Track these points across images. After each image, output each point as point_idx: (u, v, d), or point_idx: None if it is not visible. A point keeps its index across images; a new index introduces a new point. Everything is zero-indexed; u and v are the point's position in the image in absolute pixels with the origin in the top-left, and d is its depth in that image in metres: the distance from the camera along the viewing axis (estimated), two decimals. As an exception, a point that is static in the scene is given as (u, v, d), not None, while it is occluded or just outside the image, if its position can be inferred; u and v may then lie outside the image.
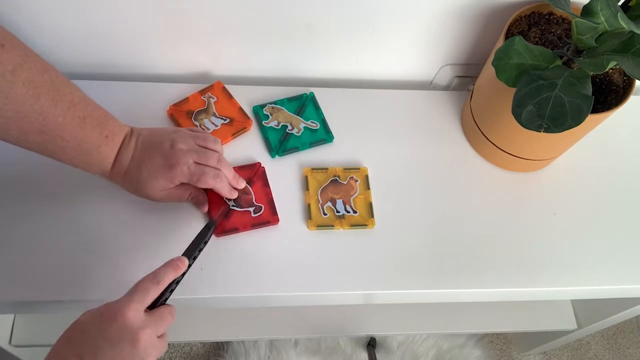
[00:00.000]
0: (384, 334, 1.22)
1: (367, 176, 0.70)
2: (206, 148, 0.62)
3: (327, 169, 0.70)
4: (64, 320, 0.92)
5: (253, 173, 0.68)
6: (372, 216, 0.67)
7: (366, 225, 0.67)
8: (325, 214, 0.67)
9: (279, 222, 0.66)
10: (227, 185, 0.63)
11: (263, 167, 0.69)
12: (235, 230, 0.64)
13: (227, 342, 1.20)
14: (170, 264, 0.52)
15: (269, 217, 0.66)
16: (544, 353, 1.32)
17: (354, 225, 0.67)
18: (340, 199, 0.68)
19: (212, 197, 0.65)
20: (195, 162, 0.60)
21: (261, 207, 0.66)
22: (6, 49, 0.48)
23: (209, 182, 0.60)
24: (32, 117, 0.50)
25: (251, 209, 0.66)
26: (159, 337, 0.49)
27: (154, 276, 0.50)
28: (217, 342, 1.22)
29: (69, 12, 0.66)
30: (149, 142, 0.59)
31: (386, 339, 1.24)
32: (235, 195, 0.65)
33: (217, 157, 0.62)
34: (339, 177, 0.70)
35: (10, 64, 0.48)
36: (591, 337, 1.35)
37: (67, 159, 0.56)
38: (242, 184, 0.65)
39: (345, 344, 1.22)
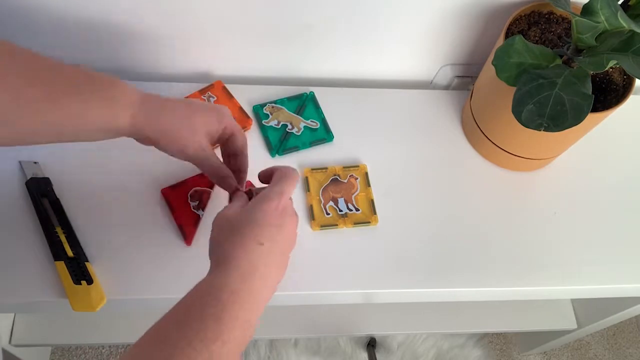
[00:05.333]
0: (384, 334, 1.22)
1: (366, 173, 0.70)
2: None
3: (326, 168, 0.70)
4: (64, 320, 0.93)
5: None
6: (375, 213, 0.68)
7: (369, 222, 0.67)
8: (328, 214, 0.67)
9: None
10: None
11: None
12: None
13: (227, 342, 1.20)
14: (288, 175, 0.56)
15: None
16: (544, 353, 1.32)
17: (357, 223, 0.67)
18: (341, 198, 0.68)
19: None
20: None
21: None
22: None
23: (243, 140, 0.59)
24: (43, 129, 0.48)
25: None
26: None
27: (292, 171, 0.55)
28: (217, 342, 1.22)
29: (68, 11, 0.67)
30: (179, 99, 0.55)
31: (386, 339, 1.24)
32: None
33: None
34: (339, 176, 0.70)
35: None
36: (591, 337, 1.35)
37: (86, 111, 0.48)
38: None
39: (345, 344, 1.22)
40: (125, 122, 0.50)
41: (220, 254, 0.48)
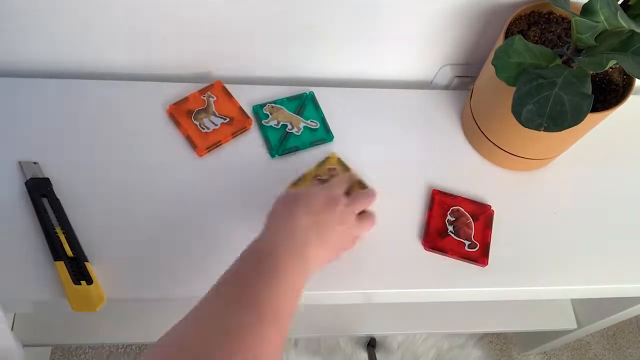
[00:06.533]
0: (384, 334, 1.22)
1: (339, 159, 0.71)
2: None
3: (303, 175, 0.69)
4: (64, 320, 0.93)
5: (481, 212, 0.69)
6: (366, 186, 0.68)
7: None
8: None
9: (486, 265, 0.66)
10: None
11: (492, 211, 0.70)
12: (443, 252, 0.66)
13: (227, 342, 1.20)
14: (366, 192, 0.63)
15: (479, 257, 0.66)
16: (544, 353, 1.32)
17: None
18: None
19: None
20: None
21: (476, 244, 0.67)
22: None
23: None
24: None
25: (467, 242, 0.67)
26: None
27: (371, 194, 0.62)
28: (217, 342, 1.22)
29: (69, 10, 0.67)
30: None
31: (386, 339, 1.24)
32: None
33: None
34: (319, 175, 0.69)
35: None
36: (591, 337, 1.35)
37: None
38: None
39: (345, 344, 1.22)
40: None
41: (271, 218, 0.55)
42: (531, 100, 0.55)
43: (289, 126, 0.73)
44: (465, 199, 0.70)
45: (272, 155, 0.71)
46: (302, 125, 0.74)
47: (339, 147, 0.73)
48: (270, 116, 0.74)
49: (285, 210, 0.55)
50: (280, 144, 0.72)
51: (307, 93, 0.76)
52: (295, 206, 0.55)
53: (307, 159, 0.71)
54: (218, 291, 0.47)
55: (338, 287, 0.64)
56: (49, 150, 0.68)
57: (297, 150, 0.72)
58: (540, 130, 0.54)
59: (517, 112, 0.55)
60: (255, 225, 0.56)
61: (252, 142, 0.72)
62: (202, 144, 0.70)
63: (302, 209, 0.55)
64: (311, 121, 0.74)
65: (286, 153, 0.71)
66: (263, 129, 0.73)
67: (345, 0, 0.68)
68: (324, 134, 0.74)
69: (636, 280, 0.68)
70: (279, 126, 0.73)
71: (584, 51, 0.59)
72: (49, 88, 0.72)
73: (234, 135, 0.72)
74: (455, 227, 0.68)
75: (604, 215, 0.72)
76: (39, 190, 0.63)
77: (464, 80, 0.82)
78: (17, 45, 0.71)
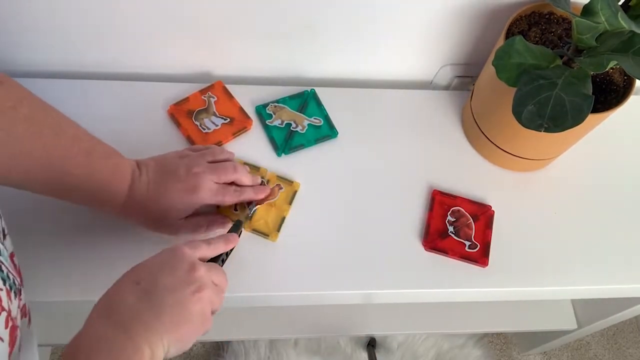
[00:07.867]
0: (384, 334, 1.22)
1: (295, 192, 0.68)
2: (217, 161, 0.62)
3: (259, 168, 0.69)
4: (64, 320, 0.93)
5: (481, 212, 0.69)
6: (279, 230, 0.65)
7: (268, 235, 0.65)
8: (235, 210, 0.66)
9: (487, 266, 0.66)
10: (248, 176, 0.63)
11: (493, 212, 0.70)
12: (444, 252, 0.66)
13: (227, 342, 1.20)
14: (222, 236, 0.55)
15: (480, 257, 0.66)
16: (544, 353, 1.32)
17: (256, 231, 0.65)
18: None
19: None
20: (215, 182, 0.59)
21: (477, 245, 0.67)
22: (5, 87, 0.47)
23: (233, 196, 0.60)
24: (35, 153, 0.49)
25: (467, 243, 0.67)
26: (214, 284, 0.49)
27: (207, 239, 0.52)
28: (217, 342, 1.22)
29: (70, 10, 0.67)
30: (161, 171, 0.58)
31: (386, 339, 1.24)
32: (261, 192, 0.64)
33: (232, 166, 0.62)
34: (266, 181, 0.68)
35: (10, 100, 0.47)
36: (591, 337, 1.35)
37: (77, 197, 0.54)
38: (264, 188, 0.65)
39: (345, 344, 1.22)
40: (118, 210, 0.57)
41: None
42: (532, 101, 0.55)
43: (293, 125, 0.73)
44: (466, 199, 0.70)
45: (279, 155, 0.71)
46: (306, 123, 0.74)
47: (343, 144, 0.73)
48: (273, 116, 0.74)
49: (107, 293, 0.44)
50: (286, 143, 0.72)
51: (309, 90, 0.76)
52: (119, 282, 0.44)
53: (313, 157, 0.72)
54: None
55: (338, 287, 0.64)
56: None
57: (302, 148, 0.72)
58: (540, 131, 0.54)
59: (517, 112, 0.55)
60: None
61: (258, 142, 0.72)
62: (203, 145, 0.70)
63: (128, 281, 0.44)
64: (314, 118, 0.74)
65: (292, 152, 0.72)
66: (267, 128, 0.73)
67: (345, 0, 0.68)
68: (329, 131, 0.74)
69: (636, 280, 0.68)
70: (283, 125, 0.73)
71: (584, 52, 0.59)
72: (49, 89, 0.72)
73: (235, 135, 0.72)
74: (456, 228, 0.68)
75: (604, 215, 0.72)
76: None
77: (464, 80, 0.82)
78: (18, 45, 0.71)
